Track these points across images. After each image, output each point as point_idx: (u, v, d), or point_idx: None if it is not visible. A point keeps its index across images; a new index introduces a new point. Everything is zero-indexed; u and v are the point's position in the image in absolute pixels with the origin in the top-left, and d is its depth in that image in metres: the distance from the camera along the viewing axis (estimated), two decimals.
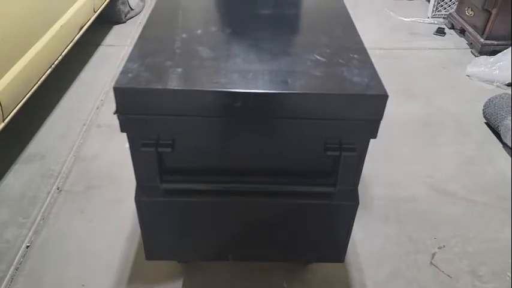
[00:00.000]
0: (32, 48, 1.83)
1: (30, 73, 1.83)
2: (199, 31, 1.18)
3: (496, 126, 2.10)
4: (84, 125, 2.17)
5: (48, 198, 1.75)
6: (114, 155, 1.99)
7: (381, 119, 1.00)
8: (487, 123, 2.23)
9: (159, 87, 0.93)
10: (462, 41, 3.04)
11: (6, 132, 1.72)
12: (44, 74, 1.96)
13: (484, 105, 2.21)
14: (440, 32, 3.16)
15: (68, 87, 2.43)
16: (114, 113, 0.99)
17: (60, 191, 1.79)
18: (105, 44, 2.90)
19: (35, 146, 2.02)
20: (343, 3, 1.43)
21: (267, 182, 1.10)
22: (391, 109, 2.33)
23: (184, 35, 1.15)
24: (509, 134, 1.98)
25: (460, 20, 3.07)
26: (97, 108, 2.28)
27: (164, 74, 0.96)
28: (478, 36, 2.83)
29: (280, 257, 1.38)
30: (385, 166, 1.97)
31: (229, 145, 1.05)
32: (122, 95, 0.95)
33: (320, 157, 1.04)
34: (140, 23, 3.21)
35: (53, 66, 2.03)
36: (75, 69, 2.57)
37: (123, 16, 3.13)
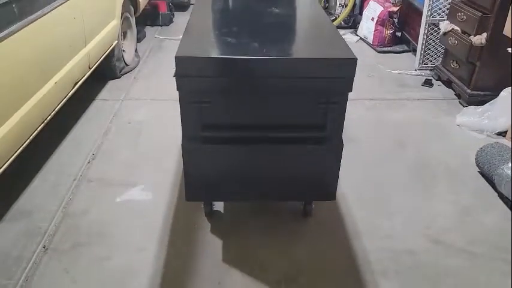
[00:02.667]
0: (25, 105, 1.83)
1: (21, 130, 1.82)
2: (224, 30, 1.75)
3: (490, 175, 2.10)
4: (75, 179, 2.13)
5: (34, 257, 1.68)
6: (103, 210, 1.95)
7: (353, 76, 1.45)
8: (480, 172, 2.23)
9: (203, 55, 1.48)
10: (450, 92, 3.12)
11: None
12: (36, 129, 1.96)
13: (476, 155, 2.22)
14: (428, 83, 3.24)
15: (60, 142, 2.42)
16: (174, 76, 1.43)
17: (46, 249, 1.72)
18: (99, 99, 2.93)
19: (22, 202, 1.97)
20: (324, 12, 2.07)
21: (276, 131, 1.56)
22: (384, 159, 2.36)
23: (214, 31, 1.78)
24: (504, 183, 1.98)
25: (446, 72, 3.17)
26: (88, 163, 2.26)
27: (205, 50, 1.53)
28: (465, 87, 2.91)
29: (288, 197, 1.84)
30: (382, 218, 1.94)
31: (248, 103, 1.53)
32: (180, 61, 1.42)
33: (314, 111, 1.52)
34: (135, 78, 3.27)
35: (45, 121, 2.03)
36: (68, 124, 2.58)
37: (118, 72, 3.19)
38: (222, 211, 1.98)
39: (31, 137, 1.92)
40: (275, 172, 1.65)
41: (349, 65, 1.44)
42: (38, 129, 1.97)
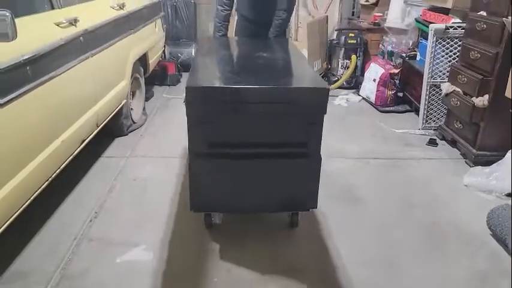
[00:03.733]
0: (30, 164, 1.83)
1: (25, 189, 1.80)
2: (222, 66, 2.28)
3: (503, 238, 2.04)
4: (75, 239, 2.08)
5: None
6: (103, 271, 1.88)
7: (327, 101, 1.81)
8: (492, 235, 2.16)
9: (208, 85, 1.86)
10: (455, 152, 3.11)
11: None
12: (40, 188, 1.94)
13: (488, 217, 2.17)
14: (432, 142, 3.25)
15: (63, 199, 2.40)
16: (183, 102, 1.83)
17: None
18: (105, 156, 2.95)
19: (20, 263, 1.91)
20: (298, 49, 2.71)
21: (266, 148, 1.88)
22: (391, 220, 2.30)
23: (216, 66, 2.27)
24: None
25: (450, 131, 3.19)
26: (90, 221, 2.22)
27: (209, 81, 1.94)
28: (470, 147, 2.91)
29: (278, 208, 2.07)
30: (391, 283, 1.85)
31: (242, 125, 1.84)
32: (190, 91, 1.77)
33: (297, 131, 1.86)
34: (141, 135, 3.31)
35: (50, 179, 2.02)
36: (73, 180, 2.57)
37: (125, 129, 3.24)
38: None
39: (34, 196, 1.90)
40: (266, 185, 1.95)
41: (322, 92, 1.82)
42: (42, 187, 1.96)
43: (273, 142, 1.87)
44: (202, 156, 1.86)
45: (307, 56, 4.31)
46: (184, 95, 1.74)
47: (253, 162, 1.89)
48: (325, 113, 1.81)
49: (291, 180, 1.94)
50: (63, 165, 2.17)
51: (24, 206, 1.82)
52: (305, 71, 2.25)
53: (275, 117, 1.82)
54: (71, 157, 2.26)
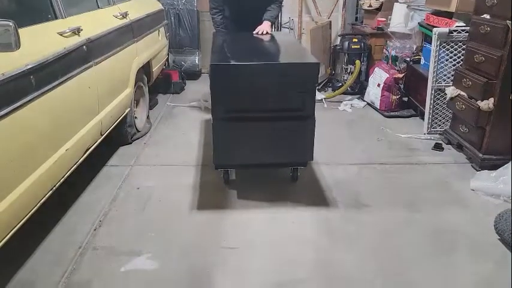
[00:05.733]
0: (34, 173, 1.83)
1: (29, 198, 1.80)
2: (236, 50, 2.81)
3: (511, 242, 2.00)
4: (80, 248, 2.08)
5: None
6: (107, 280, 1.88)
7: (317, 73, 2.34)
8: (500, 240, 2.13)
9: (224, 62, 2.35)
10: (461, 156, 3.09)
11: None
12: (44, 197, 1.94)
13: (495, 221, 2.14)
14: (438, 147, 3.22)
15: (68, 208, 2.40)
16: (208, 75, 2.44)
17: None
18: (109, 165, 2.95)
19: (25, 272, 1.91)
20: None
21: (272, 113, 2.33)
22: (398, 225, 2.28)
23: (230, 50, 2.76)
24: None
25: (456, 136, 3.16)
26: (94, 230, 2.21)
27: (225, 59, 2.44)
28: (477, 152, 2.88)
29: (280, 164, 2.63)
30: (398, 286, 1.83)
31: (253, 93, 2.30)
32: (212, 67, 2.27)
33: (295, 98, 2.30)
34: (145, 143, 3.32)
35: (54, 188, 2.02)
36: (77, 190, 2.57)
37: (129, 138, 3.24)
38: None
39: (38, 205, 1.90)
40: (273, 143, 2.38)
41: (314, 67, 2.32)
42: (46, 196, 1.96)
43: (276, 107, 2.31)
44: (223, 119, 2.32)
45: None
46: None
47: (262, 124, 2.33)
48: (316, 82, 2.37)
49: (292, 139, 2.38)
50: (67, 174, 2.17)
51: (28, 215, 1.82)
52: (300, 52, 2.97)
53: (277, 87, 2.28)
54: (75, 166, 2.26)
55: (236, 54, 2.58)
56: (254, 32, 3.21)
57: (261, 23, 3.24)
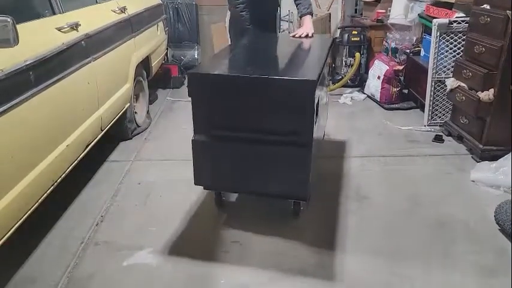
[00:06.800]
0: (35, 169, 1.83)
1: (30, 194, 1.81)
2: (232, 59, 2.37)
3: (511, 233, 2.01)
4: (82, 243, 2.09)
5: None
6: (110, 275, 1.89)
7: (315, 90, 1.84)
8: (500, 230, 2.13)
9: (209, 72, 2.01)
10: (461, 147, 3.08)
11: None
12: (45, 193, 1.95)
13: (495, 212, 2.15)
14: (438, 139, 3.22)
15: (69, 204, 2.41)
16: (187, 86, 1.97)
17: None
18: (110, 160, 2.96)
19: (27, 268, 1.92)
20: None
21: (261, 134, 1.96)
22: (399, 217, 2.28)
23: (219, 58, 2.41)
24: None
25: (456, 127, 3.16)
26: (96, 225, 2.22)
27: (211, 69, 2.06)
28: (477, 143, 2.88)
29: (272, 194, 2.14)
30: (399, 281, 1.83)
31: (242, 108, 1.96)
32: (191, 77, 1.97)
33: (289, 120, 1.91)
34: (146, 138, 3.32)
35: (55, 184, 2.03)
36: (78, 185, 2.58)
37: (129, 133, 3.24)
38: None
39: (40, 201, 1.90)
40: (260, 168, 2.03)
41: (311, 84, 1.85)
42: (47, 192, 1.97)
43: (265, 129, 1.95)
44: (205, 137, 2.04)
45: None
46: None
47: (249, 147, 2.00)
48: (314, 99, 1.86)
49: (284, 167, 1.99)
50: (68, 170, 2.18)
51: (30, 211, 1.83)
52: (309, 64, 2.22)
53: (266, 106, 1.92)
54: (76, 162, 2.27)
55: (237, 63, 2.31)
56: (291, 34, 2.75)
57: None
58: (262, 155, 1.99)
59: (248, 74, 1.92)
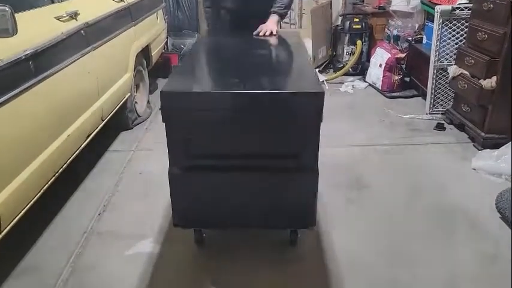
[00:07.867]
0: (36, 159, 1.83)
1: (32, 184, 1.81)
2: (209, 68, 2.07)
3: None
4: (85, 232, 2.10)
5: None
6: (113, 264, 1.90)
7: (323, 104, 1.54)
8: (501, 218, 2.14)
9: (186, 91, 1.64)
10: (463, 135, 3.07)
11: (2, 244, 1.65)
12: (47, 183, 1.95)
13: (496, 200, 2.15)
14: (440, 127, 3.21)
15: (71, 194, 2.42)
16: (160, 109, 1.61)
17: None
18: (111, 150, 2.96)
19: (31, 257, 1.94)
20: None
21: (255, 160, 1.66)
22: (400, 206, 2.29)
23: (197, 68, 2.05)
24: None
25: (458, 115, 3.14)
26: (99, 215, 2.23)
27: (188, 87, 1.72)
28: (479, 131, 2.87)
29: (271, 226, 1.85)
30: (401, 270, 1.85)
31: (229, 134, 1.62)
32: (165, 96, 1.58)
33: (294, 140, 1.61)
34: (147, 128, 3.31)
35: (56, 174, 2.03)
36: (79, 175, 2.58)
37: (130, 123, 3.24)
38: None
39: (42, 191, 1.91)
40: (256, 200, 1.73)
41: (319, 97, 1.54)
42: (49, 182, 1.97)
43: (263, 153, 1.64)
44: (185, 168, 1.68)
45: (311, 44, 4.26)
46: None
47: (241, 176, 1.68)
48: (321, 120, 1.57)
49: (286, 197, 1.70)
50: (69, 160, 2.18)
51: (32, 201, 1.83)
52: (302, 70, 1.94)
53: (265, 125, 1.61)
54: (77, 152, 2.27)
55: (207, 75, 1.91)
56: (255, 33, 2.46)
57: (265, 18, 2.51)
58: (259, 184, 1.69)
59: (241, 90, 1.58)
